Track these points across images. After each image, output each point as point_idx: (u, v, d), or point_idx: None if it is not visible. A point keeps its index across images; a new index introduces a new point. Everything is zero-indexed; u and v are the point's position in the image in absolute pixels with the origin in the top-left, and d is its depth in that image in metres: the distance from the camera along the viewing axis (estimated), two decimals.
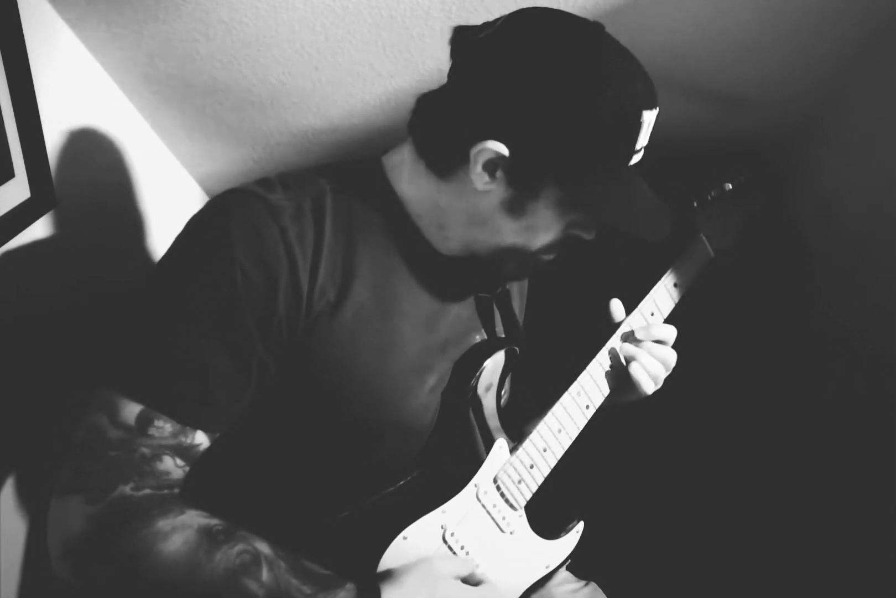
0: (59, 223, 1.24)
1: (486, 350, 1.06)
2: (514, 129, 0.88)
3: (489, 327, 1.11)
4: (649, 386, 1.10)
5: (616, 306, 1.14)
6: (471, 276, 1.09)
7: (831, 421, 1.81)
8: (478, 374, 1.04)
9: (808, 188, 1.82)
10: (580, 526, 1.14)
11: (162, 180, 1.63)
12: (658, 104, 0.92)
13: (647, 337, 1.10)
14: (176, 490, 0.86)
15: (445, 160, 0.94)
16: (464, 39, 0.92)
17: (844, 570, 1.66)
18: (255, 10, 1.29)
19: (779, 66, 1.54)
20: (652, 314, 1.14)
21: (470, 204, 0.95)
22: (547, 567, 1.10)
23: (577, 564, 1.20)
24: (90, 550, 0.82)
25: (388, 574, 0.90)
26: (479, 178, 0.91)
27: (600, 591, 1.23)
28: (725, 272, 1.30)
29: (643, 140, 0.92)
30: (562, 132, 0.87)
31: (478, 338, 1.08)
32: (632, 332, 1.11)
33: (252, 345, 0.87)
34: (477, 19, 1.37)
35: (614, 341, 1.10)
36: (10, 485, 1.13)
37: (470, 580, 0.98)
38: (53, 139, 1.23)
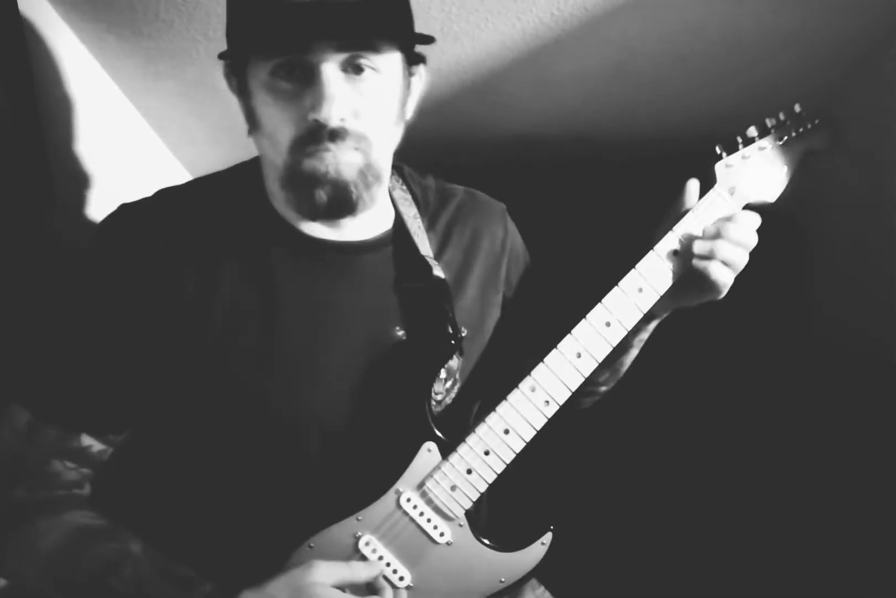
0: (59, 223, 1.24)
1: (412, 350, 1.01)
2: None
3: (410, 320, 1.03)
4: (728, 277, 0.98)
5: (692, 187, 1.04)
6: (378, 267, 1.04)
7: (830, 421, 1.81)
8: (403, 375, 0.98)
9: (808, 188, 1.81)
10: (548, 538, 1.01)
11: (162, 180, 1.63)
12: None
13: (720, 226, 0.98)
14: (75, 491, 0.94)
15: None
16: None
17: (842, 571, 1.66)
18: None
19: (779, 67, 1.54)
20: (640, 290, 1.02)
21: (255, 142, 0.98)
22: (502, 582, 1.00)
23: (547, 579, 1.12)
24: None
25: (260, 579, 0.88)
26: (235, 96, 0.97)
27: None
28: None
29: None
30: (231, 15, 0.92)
31: (399, 332, 1.02)
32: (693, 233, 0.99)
33: (119, 350, 0.93)
34: (477, 19, 1.38)
35: (595, 316, 0.98)
36: None
37: (374, 587, 0.93)
38: (53, 139, 1.23)
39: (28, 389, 0.94)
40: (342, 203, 0.93)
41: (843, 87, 1.61)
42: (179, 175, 1.73)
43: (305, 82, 0.88)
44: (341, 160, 0.91)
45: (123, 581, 0.87)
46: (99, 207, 1.38)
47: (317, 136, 0.89)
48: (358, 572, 0.91)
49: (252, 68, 0.90)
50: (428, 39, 0.93)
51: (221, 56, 0.91)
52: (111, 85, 1.43)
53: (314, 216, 0.96)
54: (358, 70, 0.89)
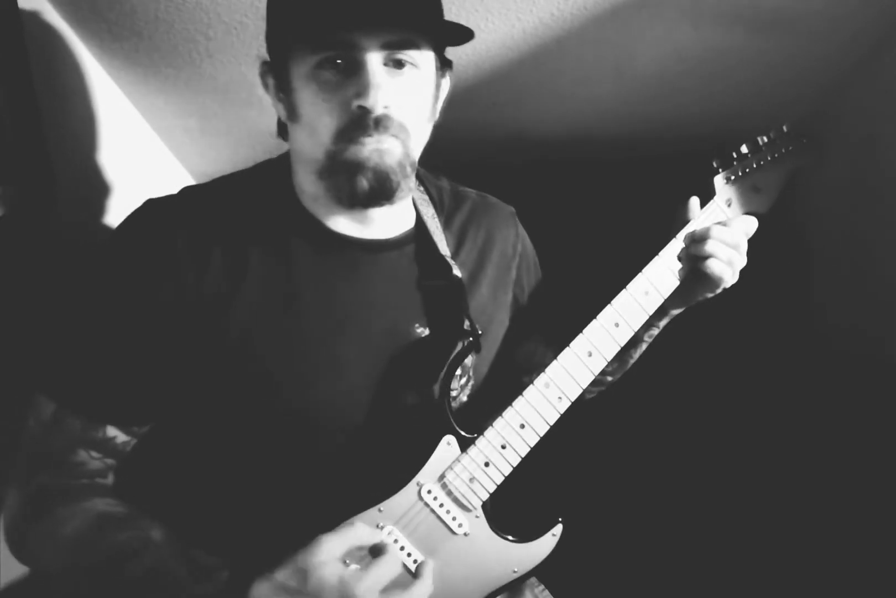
0: (59, 223, 1.24)
1: (431, 346, 1.03)
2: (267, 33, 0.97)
3: (433, 317, 1.06)
4: (726, 273, 1.06)
5: (694, 202, 1.10)
6: (398, 264, 1.06)
7: (829, 420, 1.81)
8: (422, 372, 1.01)
9: (807, 188, 1.82)
10: (558, 529, 1.06)
11: (162, 180, 1.63)
12: None
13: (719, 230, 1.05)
14: (98, 480, 0.96)
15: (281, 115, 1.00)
16: None
17: (842, 569, 1.66)
18: (256, 10, 1.29)
19: (779, 66, 1.55)
20: (647, 293, 1.08)
21: (290, 137, 1.00)
22: (515, 572, 1.05)
23: (556, 570, 1.12)
24: (17, 530, 0.95)
25: (270, 565, 0.87)
26: (271, 99, 0.98)
27: None
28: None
29: None
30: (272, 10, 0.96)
31: (419, 329, 1.05)
32: (696, 231, 1.07)
33: (144, 342, 0.95)
34: (477, 19, 1.38)
35: (605, 317, 1.03)
36: None
37: (378, 549, 0.93)
38: (53, 139, 1.23)
39: (55, 380, 0.95)
40: (382, 190, 0.95)
41: (843, 88, 1.61)
42: (179, 174, 1.73)
43: (350, 73, 0.91)
44: (384, 147, 0.93)
45: (143, 568, 0.87)
46: (100, 206, 1.39)
47: (361, 123, 0.91)
48: (362, 534, 0.90)
49: (295, 63, 0.93)
50: (468, 34, 0.94)
51: (269, 50, 0.94)
52: (111, 85, 1.43)
53: (353, 203, 0.97)
54: (399, 65, 0.93)
